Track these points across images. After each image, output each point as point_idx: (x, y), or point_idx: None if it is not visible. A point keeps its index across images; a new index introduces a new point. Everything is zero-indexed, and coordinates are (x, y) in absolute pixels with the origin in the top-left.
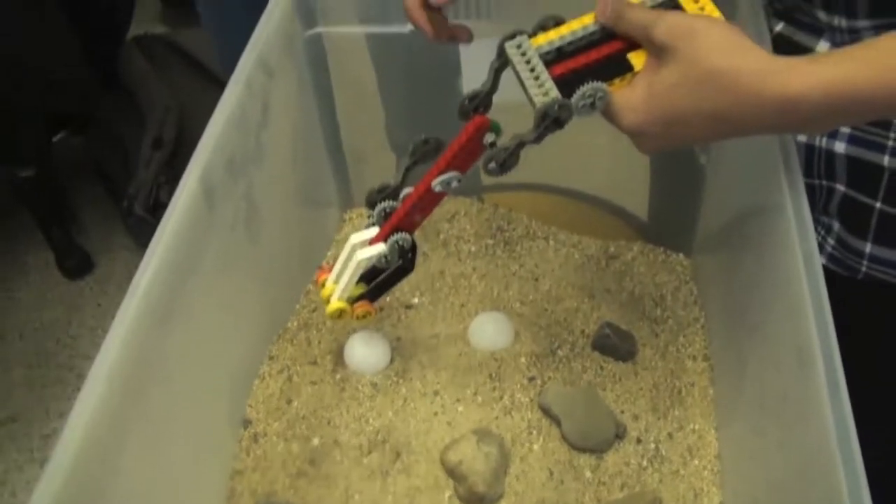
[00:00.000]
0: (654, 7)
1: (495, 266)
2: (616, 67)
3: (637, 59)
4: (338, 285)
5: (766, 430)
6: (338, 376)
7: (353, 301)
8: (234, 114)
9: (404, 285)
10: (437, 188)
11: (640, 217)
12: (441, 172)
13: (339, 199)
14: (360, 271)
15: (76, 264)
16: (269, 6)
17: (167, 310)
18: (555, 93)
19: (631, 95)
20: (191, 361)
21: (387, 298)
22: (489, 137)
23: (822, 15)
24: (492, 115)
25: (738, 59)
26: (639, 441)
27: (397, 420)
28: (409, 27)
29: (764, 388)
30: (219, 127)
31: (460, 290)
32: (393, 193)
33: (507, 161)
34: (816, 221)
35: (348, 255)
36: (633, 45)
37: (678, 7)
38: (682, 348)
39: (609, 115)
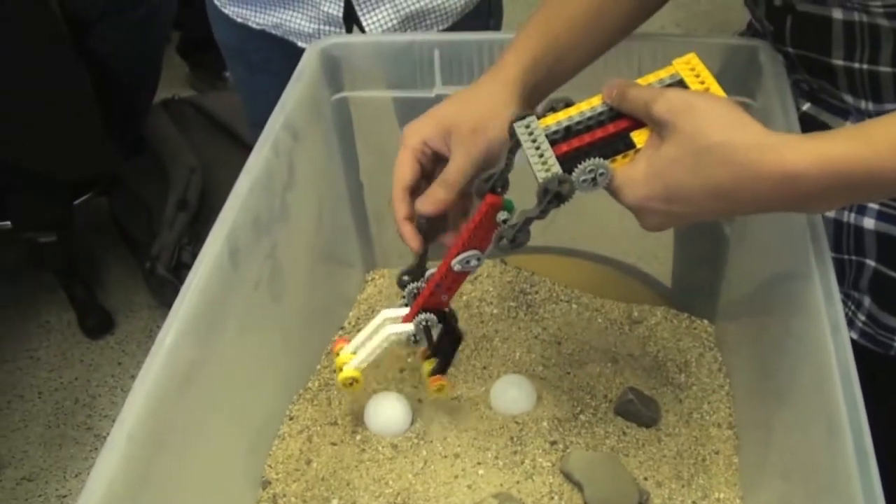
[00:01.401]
0: (658, 86)
1: (518, 329)
2: (619, 145)
3: (640, 136)
4: (356, 355)
5: (793, 500)
6: (358, 437)
7: (428, 376)
8: (261, 174)
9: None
10: (457, 268)
11: (663, 282)
12: (459, 252)
13: (361, 259)
14: (386, 345)
15: (97, 323)
16: (298, 70)
17: (189, 370)
18: (556, 168)
19: (632, 171)
20: (211, 421)
21: (408, 359)
22: (502, 215)
23: (848, 98)
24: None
25: (736, 134)
26: None
27: (417, 482)
28: (434, 92)
29: (790, 457)
30: (245, 187)
31: (482, 352)
32: (419, 272)
33: (517, 237)
34: (847, 297)
35: (375, 329)
36: (638, 124)
37: (683, 86)
38: (707, 415)
39: (612, 190)
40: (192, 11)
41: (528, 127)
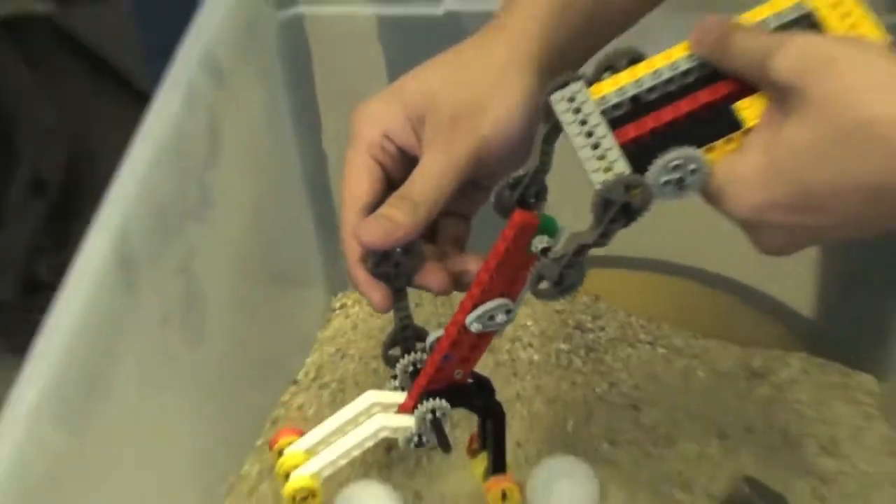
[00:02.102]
0: (777, 28)
1: (571, 385)
2: (717, 124)
3: (750, 110)
4: (317, 455)
5: None
6: None
7: (484, 480)
8: (168, 142)
9: None
10: (475, 328)
11: (804, 315)
12: (477, 303)
13: (324, 275)
14: (369, 445)
15: None
16: None
17: (56, 456)
18: (622, 165)
19: (741, 165)
20: None
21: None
22: (540, 241)
23: None
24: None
25: None
26: None
27: None
28: (442, 8)
29: None
30: (143, 162)
31: (515, 420)
32: (410, 339)
33: (566, 277)
34: None
35: (353, 418)
36: (746, 91)
37: (817, 27)
38: None
39: (710, 195)
40: None
41: (572, 101)
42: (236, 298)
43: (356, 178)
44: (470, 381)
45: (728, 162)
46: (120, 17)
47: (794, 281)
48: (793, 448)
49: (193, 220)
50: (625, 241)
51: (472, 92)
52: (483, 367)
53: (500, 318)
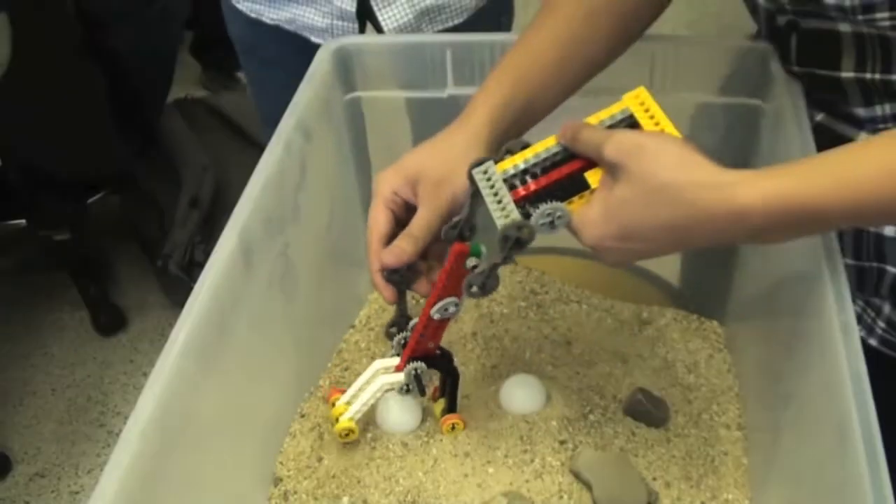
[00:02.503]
0: (610, 126)
1: (528, 329)
2: (575, 186)
3: (594, 177)
4: (351, 405)
5: (802, 503)
6: (368, 436)
7: (441, 416)
8: (273, 174)
9: None
10: (437, 316)
11: (672, 283)
12: (436, 301)
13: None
14: (379, 395)
15: (110, 321)
16: (310, 70)
17: (202, 367)
18: (515, 215)
19: (588, 212)
20: (223, 419)
21: None
22: (471, 262)
23: (860, 111)
24: None
25: (686, 174)
26: None
27: (427, 481)
28: (446, 93)
29: (799, 459)
30: (258, 187)
31: (492, 351)
32: (403, 322)
33: (487, 284)
34: (867, 303)
35: (368, 380)
36: (592, 164)
37: (636, 125)
38: (716, 416)
39: (572, 230)
40: (204, 11)
41: (485, 173)
42: (315, 272)
43: (376, 220)
44: (439, 352)
45: (581, 211)
46: (247, 98)
47: (667, 261)
48: (669, 369)
49: (289, 223)
50: (561, 238)
51: (447, 167)
52: (469, 317)
53: (452, 309)
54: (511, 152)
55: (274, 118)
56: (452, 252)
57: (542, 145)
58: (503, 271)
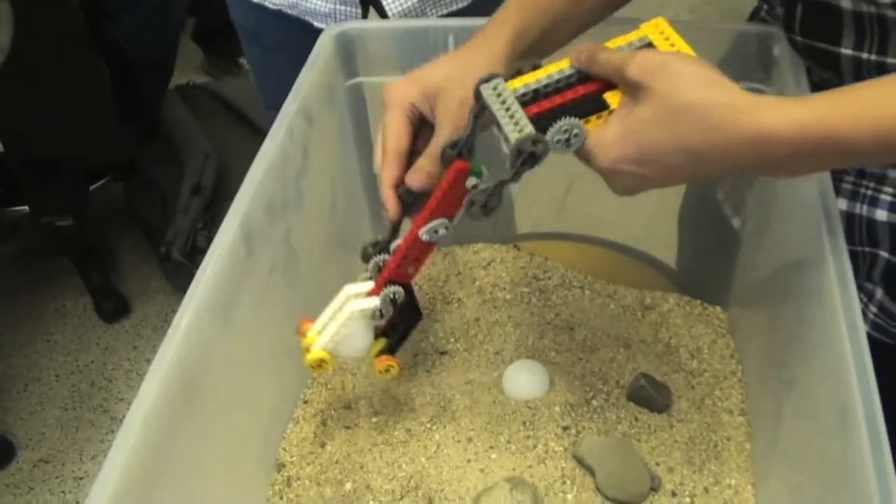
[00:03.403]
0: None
1: (530, 314)
2: (592, 106)
3: (613, 98)
4: (321, 335)
5: (805, 488)
6: (372, 421)
7: (376, 355)
8: (275, 160)
9: (439, 331)
10: (424, 237)
11: (675, 269)
12: (427, 221)
13: None
14: (352, 323)
15: (113, 308)
16: (312, 55)
17: (204, 353)
18: (530, 129)
19: (605, 133)
20: (226, 404)
21: (421, 344)
22: (471, 181)
23: None
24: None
25: (712, 94)
26: (674, 494)
27: (430, 466)
28: None
29: (802, 444)
30: (260, 173)
31: (495, 337)
32: (385, 247)
33: (489, 202)
34: (859, 288)
35: (339, 306)
36: (609, 87)
37: (652, 48)
38: (719, 401)
39: (583, 153)
40: None
41: (495, 89)
42: (318, 258)
43: (396, 131)
44: (412, 284)
45: (597, 131)
46: (249, 84)
47: (670, 247)
48: (672, 354)
49: (291, 208)
50: (563, 223)
51: (469, 84)
52: (473, 303)
53: (442, 232)
54: (521, 72)
55: (277, 103)
56: (452, 169)
57: (555, 67)
58: (504, 258)
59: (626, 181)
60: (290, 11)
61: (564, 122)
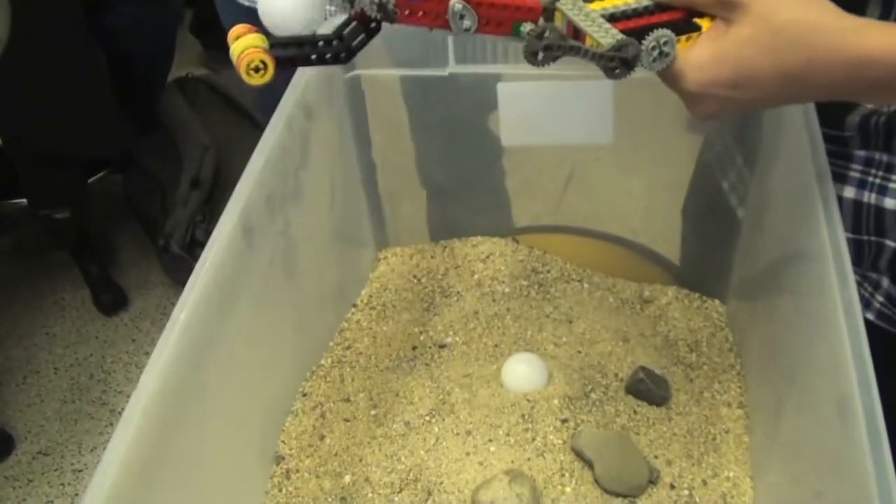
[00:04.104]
0: None
1: (529, 307)
2: (682, 27)
3: (703, 22)
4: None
5: (803, 480)
6: (372, 413)
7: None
8: (275, 153)
9: (437, 324)
10: None
11: (674, 262)
12: None
13: (374, 238)
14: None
15: (111, 300)
16: None
17: (204, 346)
18: (620, 35)
19: (697, 53)
20: (225, 397)
21: (420, 337)
22: (526, 27)
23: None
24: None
25: (815, 14)
26: (672, 487)
27: (429, 459)
28: (447, 71)
29: (801, 437)
30: (259, 165)
31: (494, 330)
32: None
33: (554, 48)
34: (864, 277)
35: None
36: (692, 16)
37: None
38: (717, 394)
39: (670, 75)
40: None
41: (574, 4)
42: (317, 251)
43: None
44: None
45: (687, 52)
46: None
47: (669, 240)
48: (671, 347)
49: (290, 201)
50: (562, 216)
51: None
52: (471, 296)
53: None
54: None
55: (271, 107)
56: None
57: None
58: (503, 251)
59: (713, 105)
60: None
61: (659, 33)
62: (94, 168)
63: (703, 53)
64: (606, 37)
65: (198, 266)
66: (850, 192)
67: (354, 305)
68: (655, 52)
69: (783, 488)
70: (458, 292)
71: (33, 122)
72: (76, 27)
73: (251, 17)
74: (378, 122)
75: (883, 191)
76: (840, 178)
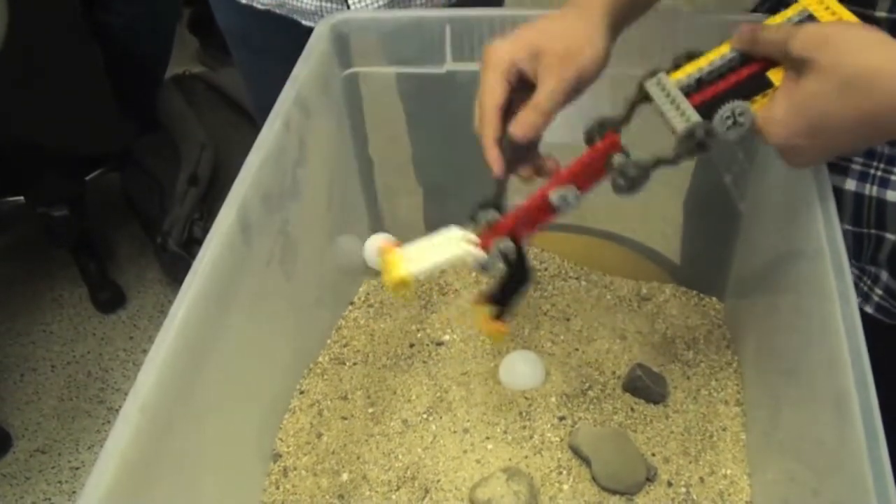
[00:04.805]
0: (790, 24)
1: (527, 305)
2: (756, 86)
3: (776, 75)
4: (413, 262)
5: (801, 478)
6: (369, 411)
7: (490, 320)
8: (272, 150)
9: (435, 322)
10: (555, 199)
11: (672, 259)
12: (561, 184)
13: (371, 235)
14: (453, 260)
15: (109, 298)
16: (308, 46)
17: (201, 344)
18: (696, 117)
19: (774, 109)
20: (223, 395)
21: (417, 335)
22: (618, 159)
23: None
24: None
25: (878, 59)
26: (669, 484)
27: (427, 457)
28: (444, 68)
29: (798, 434)
30: (256, 163)
31: None
32: (495, 203)
33: (638, 178)
34: (863, 271)
35: (441, 243)
36: (771, 65)
37: (813, 19)
38: (715, 392)
39: (756, 133)
40: None
41: (659, 83)
42: (315, 249)
43: (495, 89)
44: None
45: (765, 109)
46: None
47: (666, 237)
48: (668, 345)
49: (288, 199)
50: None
51: (571, 42)
52: (469, 293)
53: (571, 200)
54: (678, 65)
55: (267, 105)
56: (605, 141)
57: (716, 52)
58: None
59: (803, 155)
60: (277, 11)
61: (729, 106)
62: (92, 166)
63: (778, 109)
64: (681, 122)
65: (195, 264)
66: (851, 185)
67: (352, 303)
68: (729, 122)
69: (780, 486)
70: (456, 289)
71: (31, 121)
72: (74, 25)
73: (247, 15)
74: (375, 120)
75: (885, 183)
76: (841, 171)
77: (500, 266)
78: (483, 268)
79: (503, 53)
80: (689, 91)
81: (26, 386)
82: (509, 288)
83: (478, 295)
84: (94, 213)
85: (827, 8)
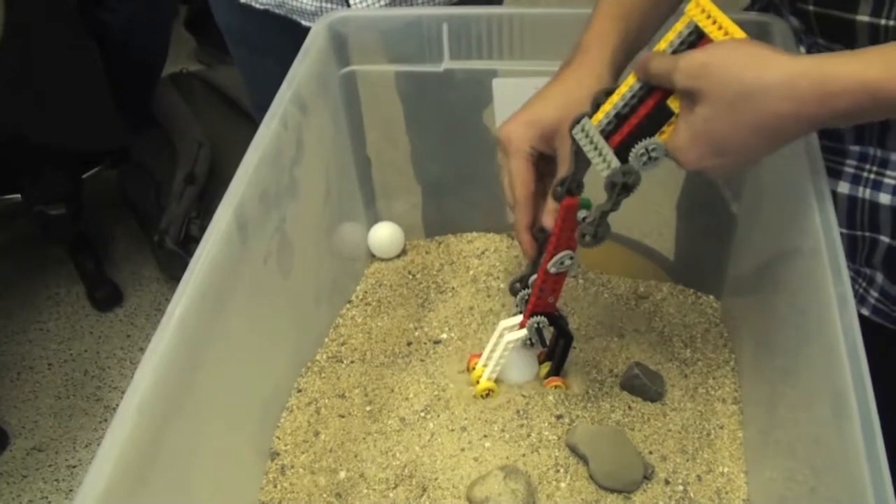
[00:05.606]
0: (679, 44)
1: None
2: (662, 116)
3: (675, 102)
4: (487, 367)
5: (798, 476)
6: (367, 409)
7: (545, 378)
8: (269, 149)
9: (433, 320)
10: (553, 270)
11: (669, 258)
12: (552, 256)
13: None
14: (509, 353)
15: (106, 296)
16: (306, 44)
17: (198, 342)
18: (615, 162)
19: (677, 139)
20: (220, 393)
21: (415, 333)
22: (581, 214)
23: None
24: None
25: (752, 76)
26: (667, 482)
27: (424, 455)
28: (442, 67)
29: (795, 432)
30: (254, 161)
31: (489, 326)
32: (528, 281)
33: (598, 232)
34: (859, 273)
35: (496, 340)
36: (670, 92)
37: (703, 36)
38: (712, 390)
39: (671, 160)
40: None
41: (583, 130)
42: (312, 247)
43: (524, 179)
44: (556, 312)
45: (671, 139)
46: None
47: (663, 235)
48: (665, 343)
49: (285, 197)
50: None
51: (578, 108)
52: (466, 291)
53: (567, 262)
54: (599, 104)
55: (266, 104)
56: (563, 206)
57: (626, 85)
58: (498, 247)
59: (717, 172)
60: (277, 11)
61: (640, 146)
62: (89, 164)
63: (683, 139)
64: (605, 169)
65: (192, 262)
66: (844, 188)
67: (349, 301)
68: (644, 158)
69: (777, 484)
70: (453, 288)
71: (28, 118)
72: (70, 22)
73: (246, 14)
74: (373, 118)
75: (877, 186)
76: (834, 174)
77: (538, 338)
78: (526, 344)
79: (521, 143)
80: (610, 131)
81: (23, 384)
82: (557, 350)
83: (539, 355)
84: (91, 211)
85: (709, 17)
